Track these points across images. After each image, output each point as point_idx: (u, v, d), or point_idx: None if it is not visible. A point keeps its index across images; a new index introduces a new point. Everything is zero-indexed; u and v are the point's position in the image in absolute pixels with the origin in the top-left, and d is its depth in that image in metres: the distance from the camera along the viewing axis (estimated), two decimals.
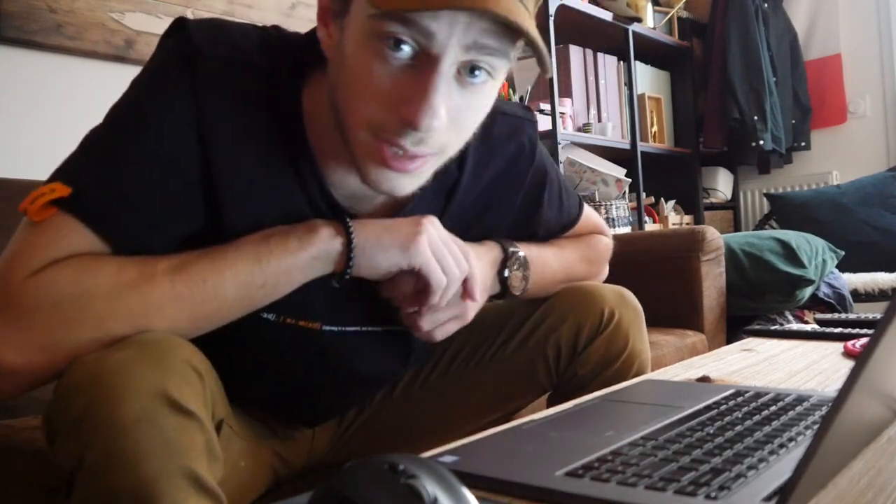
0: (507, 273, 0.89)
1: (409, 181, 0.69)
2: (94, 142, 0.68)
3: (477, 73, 0.65)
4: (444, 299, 0.77)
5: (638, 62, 3.07)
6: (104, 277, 0.61)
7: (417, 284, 0.76)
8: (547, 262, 0.96)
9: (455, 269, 0.76)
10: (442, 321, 0.80)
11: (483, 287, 0.84)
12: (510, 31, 0.63)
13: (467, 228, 0.85)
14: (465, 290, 0.80)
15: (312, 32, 0.75)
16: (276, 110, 0.71)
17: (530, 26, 0.63)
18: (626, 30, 2.89)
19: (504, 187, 0.91)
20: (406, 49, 0.62)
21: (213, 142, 0.68)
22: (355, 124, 0.66)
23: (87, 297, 0.60)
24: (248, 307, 0.69)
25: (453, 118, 0.66)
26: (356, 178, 0.71)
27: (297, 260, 0.69)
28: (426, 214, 0.78)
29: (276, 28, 0.76)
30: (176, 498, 0.54)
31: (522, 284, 0.91)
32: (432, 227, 0.76)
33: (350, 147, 0.68)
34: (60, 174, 0.65)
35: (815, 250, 2.14)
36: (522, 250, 0.91)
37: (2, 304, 0.60)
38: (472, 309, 0.83)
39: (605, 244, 1.09)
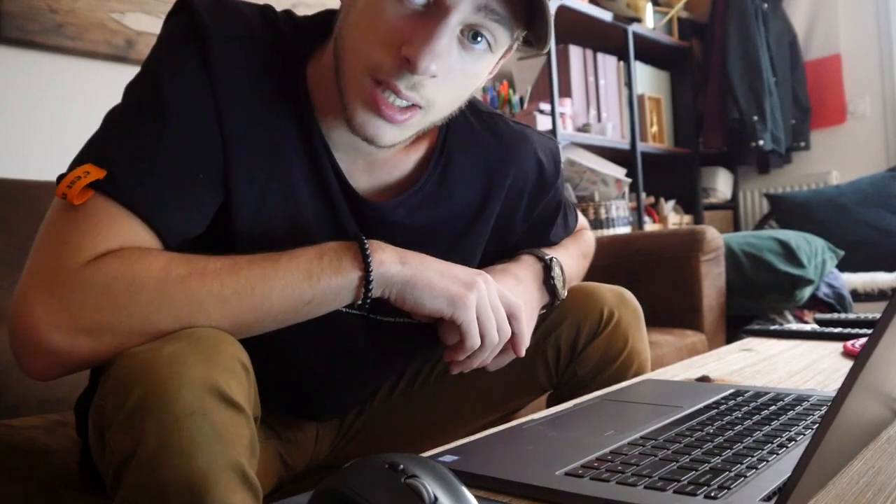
0: (553, 281, 0.91)
1: (391, 132, 0.71)
2: (117, 122, 0.69)
3: (479, 39, 0.69)
4: (475, 359, 0.80)
5: (638, 62, 3.06)
6: (155, 272, 0.62)
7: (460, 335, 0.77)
8: (567, 261, 0.98)
9: (494, 335, 0.77)
10: (472, 367, 0.82)
11: (530, 323, 0.86)
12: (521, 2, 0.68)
13: (485, 245, 0.89)
14: (512, 347, 0.82)
15: (315, 14, 0.78)
16: (281, 80, 0.74)
17: None
18: (626, 30, 2.89)
19: (524, 207, 0.93)
20: None
21: (226, 114, 0.70)
22: (355, 66, 0.69)
23: (137, 287, 0.61)
24: (292, 320, 0.69)
25: (446, 75, 0.69)
26: (358, 142, 0.72)
27: (346, 281, 0.69)
28: (481, 270, 0.80)
29: (287, 12, 0.78)
30: (225, 490, 0.54)
31: (564, 286, 0.93)
32: (485, 287, 0.76)
33: (343, 95, 0.70)
34: (90, 155, 0.66)
35: (814, 250, 2.14)
36: (550, 254, 0.94)
37: (54, 287, 0.60)
38: (508, 356, 0.84)
39: (592, 238, 1.13)
